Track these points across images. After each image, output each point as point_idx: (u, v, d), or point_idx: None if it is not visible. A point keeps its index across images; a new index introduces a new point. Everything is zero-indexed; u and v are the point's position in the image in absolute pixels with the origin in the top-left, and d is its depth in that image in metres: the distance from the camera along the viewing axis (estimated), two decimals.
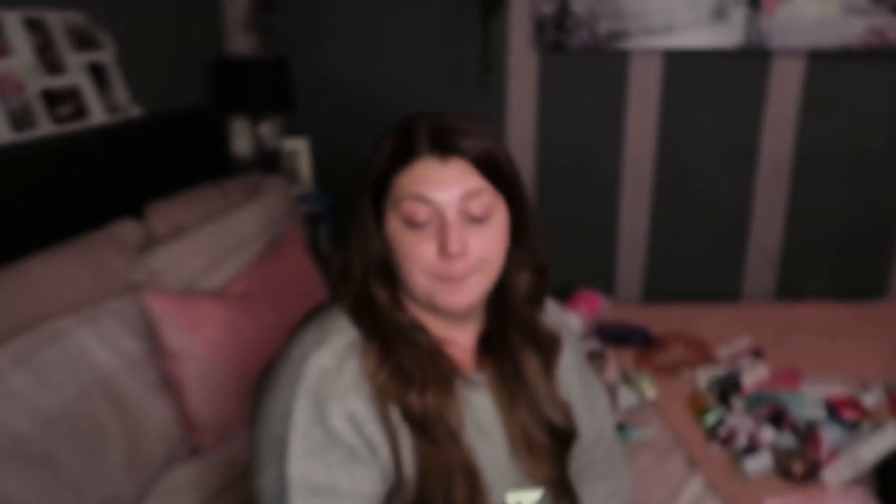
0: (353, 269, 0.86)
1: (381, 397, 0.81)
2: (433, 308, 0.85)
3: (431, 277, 0.81)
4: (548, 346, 0.95)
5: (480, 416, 0.89)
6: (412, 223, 0.81)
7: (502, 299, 0.91)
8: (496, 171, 0.83)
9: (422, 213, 0.80)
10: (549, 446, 0.93)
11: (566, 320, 1.07)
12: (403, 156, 0.81)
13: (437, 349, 0.87)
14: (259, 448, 0.82)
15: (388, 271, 0.85)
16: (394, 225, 0.82)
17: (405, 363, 0.82)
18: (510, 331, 0.91)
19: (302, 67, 2.58)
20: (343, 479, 0.78)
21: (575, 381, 1.04)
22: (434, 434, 0.81)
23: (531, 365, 0.92)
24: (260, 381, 0.89)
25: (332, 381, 0.79)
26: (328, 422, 0.77)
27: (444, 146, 0.80)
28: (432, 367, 0.84)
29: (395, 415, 0.82)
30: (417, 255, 0.81)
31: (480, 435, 0.89)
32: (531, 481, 0.92)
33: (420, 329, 0.86)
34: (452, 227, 0.79)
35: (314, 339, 0.82)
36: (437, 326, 0.89)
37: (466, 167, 0.81)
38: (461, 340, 0.92)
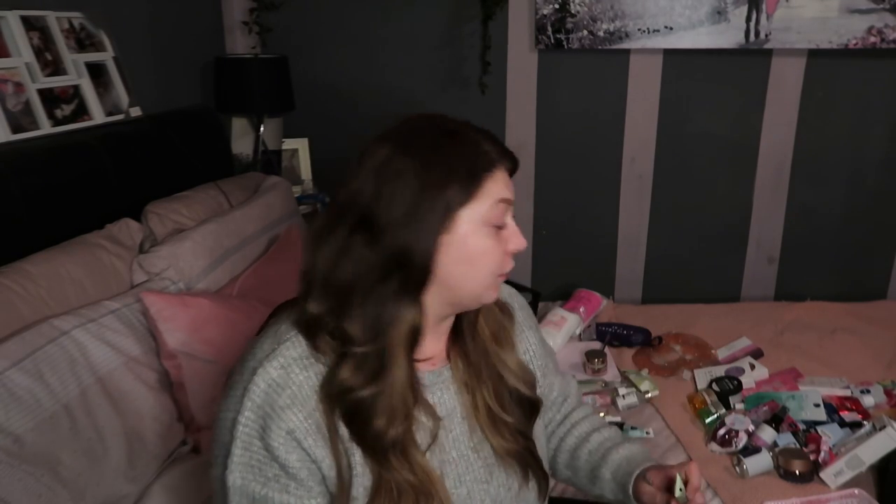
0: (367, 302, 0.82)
1: (330, 412, 0.81)
2: (469, 306, 0.88)
3: (494, 276, 0.86)
4: (497, 315, 0.98)
5: (443, 411, 0.91)
6: (498, 226, 0.85)
7: None
8: None
9: (506, 214, 0.85)
10: (515, 421, 0.94)
11: (511, 290, 1.09)
12: (486, 166, 0.83)
13: (408, 379, 0.86)
14: (213, 446, 0.84)
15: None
16: (471, 233, 0.82)
17: (378, 397, 0.82)
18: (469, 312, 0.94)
19: (302, 67, 2.59)
20: (278, 494, 0.81)
21: (535, 344, 1.06)
22: (387, 458, 0.82)
23: (485, 334, 0.95)
24: (227, 378, 0.91)
25: (275, 396, 0.80)
26: (267, 439, 0.80)
27: (512, 157, 0.87)
28: (399, 400, 0.83)
29: (346, 431, 0.82)
30: (493, 256, 0.85)
31: (442, 430, 0.90)
32: (496, 467, 0.93)
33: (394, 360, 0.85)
34: (515, 226, 0.87)
35: (267, 349, 0.84)
36: (432, 332, 0.90)
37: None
38: (442, 329, 0.93)
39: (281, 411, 0.80)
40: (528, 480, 0.96)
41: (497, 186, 0.83)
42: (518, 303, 1.07)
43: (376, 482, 0.82)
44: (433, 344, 0.92)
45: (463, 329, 0.94)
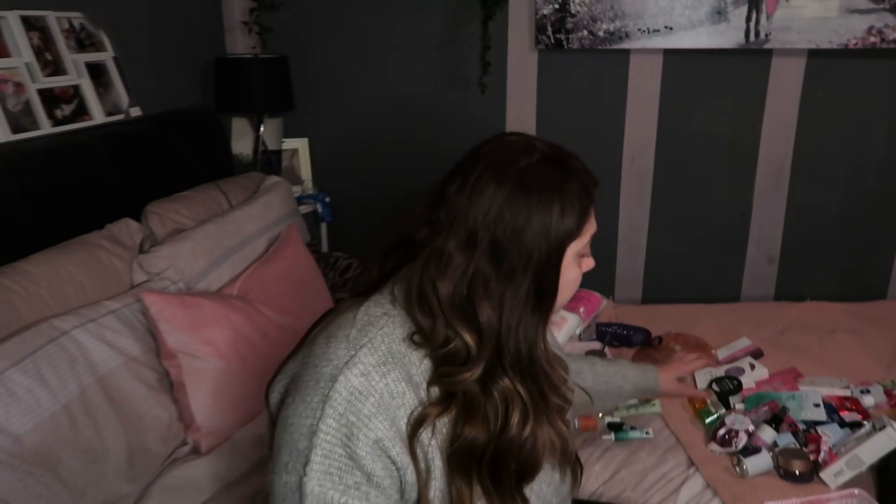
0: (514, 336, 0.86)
1: (417, 423, 0.82)
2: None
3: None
4: None
5: None
6: (585, 254, 0.92)
7: None
8: None
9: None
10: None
11: None
12: (589, 203, 0.90)
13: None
14: (281, 452, 0.83)
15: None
16: (568, 265, 0.89)
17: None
18: None
19: (302, 67, 2.59)
20: (357, 501, 0.81)
21: None
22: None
23: None
24: (275, 376, 0.91)
25: (359, 405, 0.80)
26: (353, 447, 0.79)
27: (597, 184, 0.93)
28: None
29: (427, 437, 0.83)
30: (577, 283, 0.92)
31: None
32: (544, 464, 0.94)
33: None
34: None
35: (344, 355, 0.83)
36: None
37: None
38: None
39: (367, 420, 0.80)
40: (565, 473, 0.97)
41: (593, 221, 0.90)
42: None
43: (455, 486, 0.83)
44: None
45: None
